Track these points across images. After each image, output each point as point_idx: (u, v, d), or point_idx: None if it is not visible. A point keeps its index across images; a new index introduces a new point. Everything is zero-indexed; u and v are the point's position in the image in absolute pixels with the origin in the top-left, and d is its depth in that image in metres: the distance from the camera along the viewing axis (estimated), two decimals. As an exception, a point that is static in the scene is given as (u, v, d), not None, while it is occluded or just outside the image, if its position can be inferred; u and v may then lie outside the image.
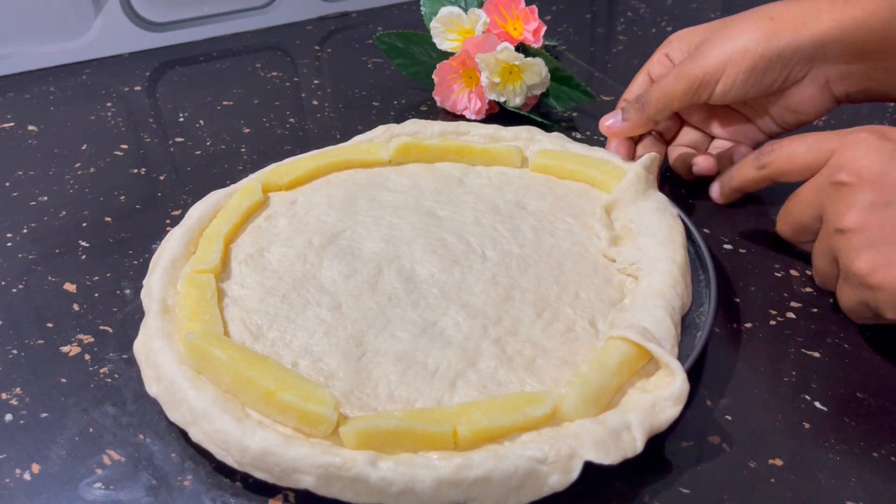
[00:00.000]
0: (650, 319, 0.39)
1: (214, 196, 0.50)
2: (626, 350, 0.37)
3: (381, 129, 0.59)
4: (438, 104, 0.68)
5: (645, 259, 0.44)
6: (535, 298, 0.43)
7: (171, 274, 0.44)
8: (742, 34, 0.48)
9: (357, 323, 0.42)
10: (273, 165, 0.55)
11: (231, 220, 0.48)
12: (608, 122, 0.55)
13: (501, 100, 0.64)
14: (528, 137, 0.57)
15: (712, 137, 0.56)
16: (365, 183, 0.54)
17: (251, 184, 0.52)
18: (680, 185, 0.56)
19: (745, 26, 0.48)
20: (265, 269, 0.46)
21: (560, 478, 0.32)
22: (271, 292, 0.44)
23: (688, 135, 0.57)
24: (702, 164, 0.53)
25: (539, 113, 0.65)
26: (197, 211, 0.49)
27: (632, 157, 0.55)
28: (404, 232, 0.48)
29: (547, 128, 0.60)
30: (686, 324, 0.42)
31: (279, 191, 0.53)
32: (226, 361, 0.36)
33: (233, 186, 0.52)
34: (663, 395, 0.35)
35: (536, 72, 0.63)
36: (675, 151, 0.56)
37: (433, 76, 0.66)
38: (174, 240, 0.46)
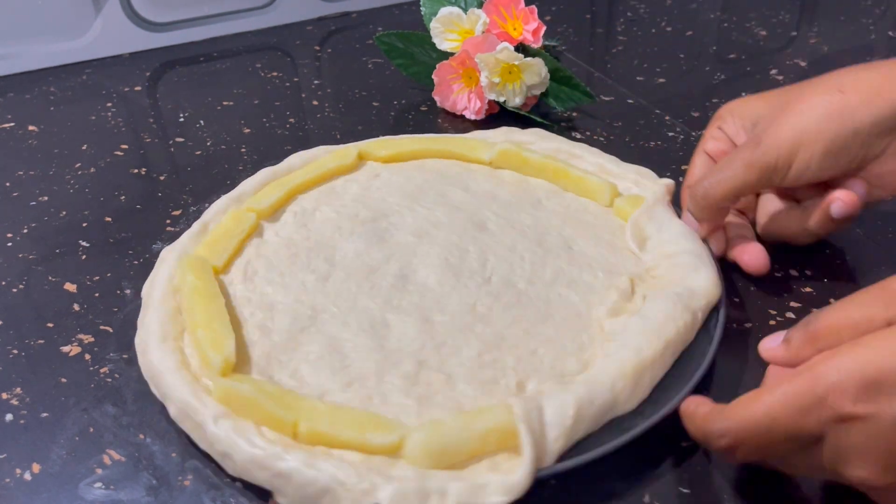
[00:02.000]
0: (555, 402, 0.35)
1: (264, 172, 0.53)
2: (504, 419, 0.34)
3: (503, 130, 0.59)
4: (438, 104, 0.68)
5: (623, 333, 0.40)
6: (492, 339, 0.41)
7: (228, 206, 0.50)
8: (811, 111, 0.42)
9: (327, 297, 0.44)
10: (380, 138, 0.58)
11: (309, 174, 0.53)
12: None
13: (501, 100, 0.64)
14: (635, 180, 0.53)
15: (796, 200, 0.49)
16: (452, 177, 0.55)
17: (347, 149, 0.56)
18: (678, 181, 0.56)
19: (814, 101, 0.42)
20: (305, 225, 0.49)
21: None
22: (289, 246, 0.47)
23: (770, 203, 0.49)
24: (845, 198, 0.43)
25: (539, 113, 0.65)
26: (249, 184, 0.52)
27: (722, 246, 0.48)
28: (440, 233, 0.48)
29: (547, 128, 0.60)
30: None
31: (376, 161, 0.56)
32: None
33: (284, 161, 0.55)
34: (496, 479, 0.33)
35: (536, 72, 0.63)
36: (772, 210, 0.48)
37: (433, 76, 0.66)
38: (220, 202, 0.50)
